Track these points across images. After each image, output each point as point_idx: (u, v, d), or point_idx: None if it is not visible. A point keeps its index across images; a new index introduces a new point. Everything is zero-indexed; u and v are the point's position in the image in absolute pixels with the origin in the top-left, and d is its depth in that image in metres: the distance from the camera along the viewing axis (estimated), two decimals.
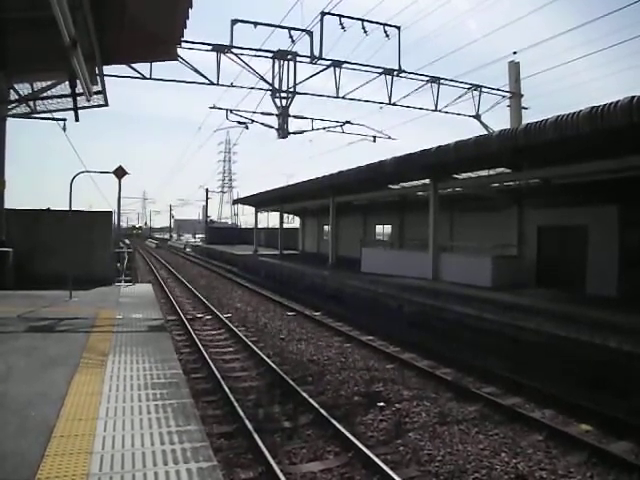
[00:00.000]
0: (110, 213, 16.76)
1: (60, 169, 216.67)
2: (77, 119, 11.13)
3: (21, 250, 14.11)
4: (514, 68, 20.95)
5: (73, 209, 12.63)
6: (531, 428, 6.84)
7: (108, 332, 8.47)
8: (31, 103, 13.70)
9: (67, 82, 10.59)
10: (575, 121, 10.68)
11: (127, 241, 43.24)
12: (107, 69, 12.00)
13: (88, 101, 11.79)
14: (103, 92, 12.60)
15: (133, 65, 13.69)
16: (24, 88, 12.64)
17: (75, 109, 10.96)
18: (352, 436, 6.26)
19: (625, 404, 7.55)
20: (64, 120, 14.16)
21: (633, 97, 9.46)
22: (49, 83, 12.38)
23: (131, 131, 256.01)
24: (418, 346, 11.51)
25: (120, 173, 13.50)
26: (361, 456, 5.83)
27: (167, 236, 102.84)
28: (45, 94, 12.91)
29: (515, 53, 21.22)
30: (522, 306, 12.66)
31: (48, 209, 16.38)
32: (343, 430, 6.45)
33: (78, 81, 9.15)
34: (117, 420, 4.57)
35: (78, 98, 10.66)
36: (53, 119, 14.22)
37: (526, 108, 21.28)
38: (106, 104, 13.66)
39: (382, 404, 7.75)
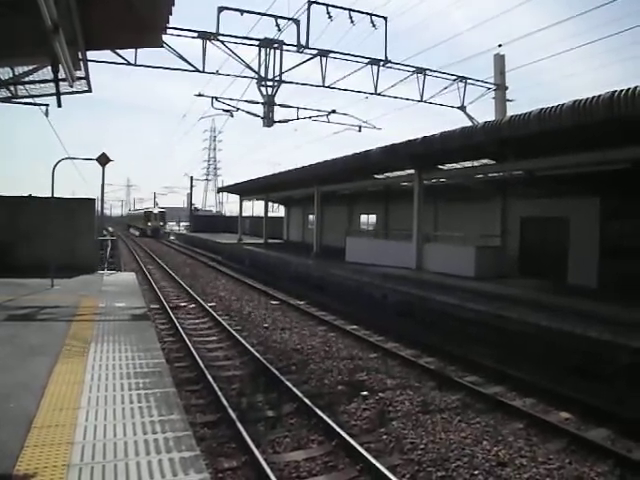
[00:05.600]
0: (93, 200, 16.57)
1: (36, 154, 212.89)
2: (59, 105, 10.90)
3: (1, 237, 13.91)
4: (499, 60, 21.02)
5: (55, 196, 12.46)
6: (512, 416, 6.95)
7: (90, 321, 8.41)
8: (12, 87, 13.40)
9: (49, 67, 10.36)
10: (558, 114, 10.79)
11: (110, 229, 42.81)
12: (91, 55, 11.75)
13: (71, 87, 11.55)
14: (87, 78, 12.34)
15: (118, 51, 13.43)
16: (5, 72, 12.33)
17: (57, 94, 10.73)
18: (335, 425, 6.30)
19: (604, 392, 7.71)
20: (46, 105, 13.89)
21: (614, 92, 9.59)
22: (31, 67, 12.10)
23: (115, 117, 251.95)
24: (402, 335, 11.59)
25: (103, 160, 13.32)
26: (344, 445, 5.87)
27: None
28: (27, 79, 12.62)
29: (500, 46, 21.22)
30: (505, 296, 12.84)
31: (30, 196, 16.15)
32: (326, 419, 6.49)
33: (61, 66, 8.96)
34: (99, 410, 4.54)
35: (61, 83, 10.43)
36: (35, 104, 13.93)
37: (511, 100, 21.40)
38: (89, 90, 13.40)
39: (365, 393, 7.80)
